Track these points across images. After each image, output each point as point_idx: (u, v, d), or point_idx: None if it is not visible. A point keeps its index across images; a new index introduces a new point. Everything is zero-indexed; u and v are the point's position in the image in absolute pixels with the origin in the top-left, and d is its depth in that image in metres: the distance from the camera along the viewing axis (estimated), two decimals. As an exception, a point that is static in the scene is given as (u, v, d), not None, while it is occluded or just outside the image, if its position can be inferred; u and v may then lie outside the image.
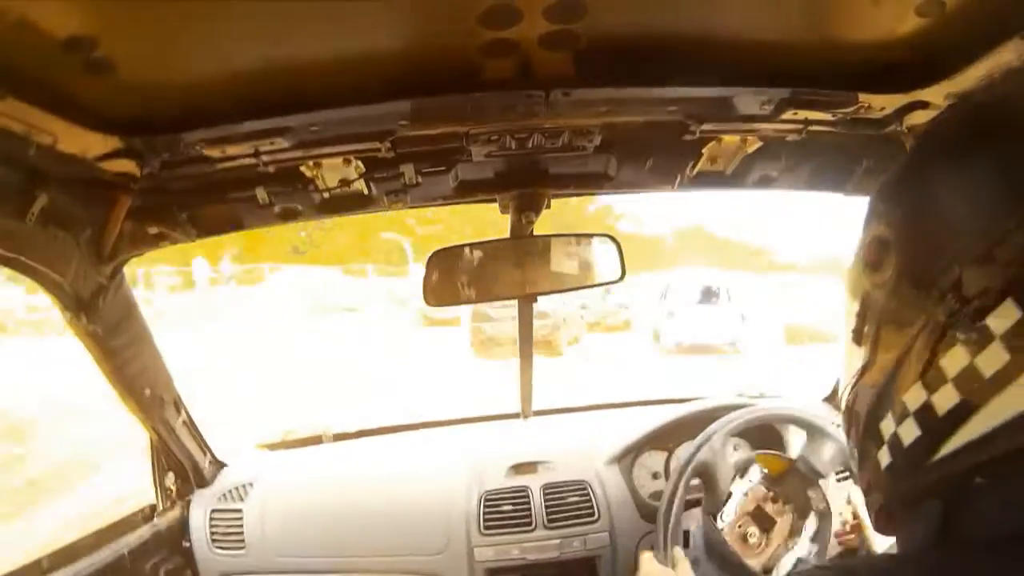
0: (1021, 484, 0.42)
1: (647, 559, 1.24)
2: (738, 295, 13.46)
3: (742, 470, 1.35)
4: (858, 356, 0.53)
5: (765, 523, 1.31)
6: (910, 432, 0.47)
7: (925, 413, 0.46)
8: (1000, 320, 0.42)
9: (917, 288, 0.47)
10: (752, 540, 1.32)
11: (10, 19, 0.62)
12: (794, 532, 1.30)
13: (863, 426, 0.53)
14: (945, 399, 0.45)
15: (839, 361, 0.58)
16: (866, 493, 0.55)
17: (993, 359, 0.42)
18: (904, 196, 0.51)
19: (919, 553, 0.47)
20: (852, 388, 0.55)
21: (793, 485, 1.35)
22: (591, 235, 1.24)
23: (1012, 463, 0.42)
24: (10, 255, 0.95)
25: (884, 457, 0.50)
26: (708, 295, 13.32)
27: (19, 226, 0.92)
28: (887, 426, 0.49)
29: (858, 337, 0.53)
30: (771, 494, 1.33)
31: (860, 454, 0.54)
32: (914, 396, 0.47)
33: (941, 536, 0.44)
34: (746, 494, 1.31)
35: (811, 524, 1.28)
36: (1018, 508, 0.41)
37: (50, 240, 1.00)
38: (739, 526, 1.32)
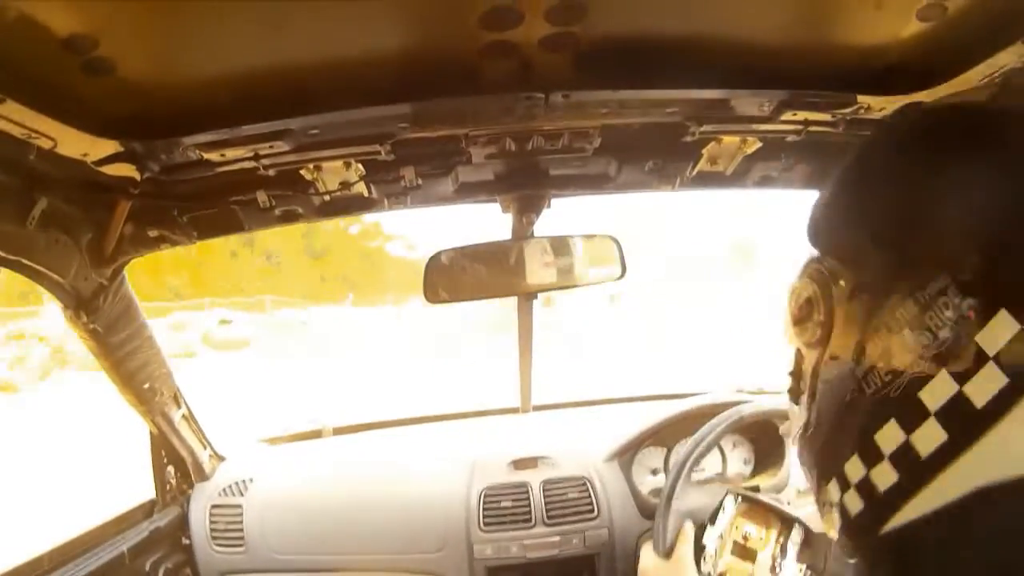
0: (973, 560, 0.39)
1: (647, 551, 1.25)
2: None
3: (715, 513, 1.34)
4: (795, 415, 0.52)
5: (747, 556, 1.31)
6: (855, 503, 0.45)
7: (865, 487, 0.44)
8: (935, 393, 0.39)
9: (845, 352, 0.45)
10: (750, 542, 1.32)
11: (9, 19, 0.62)
12: (777, 556, 1.30)
13: (815, 484, 0.51)
14: (884, 477, 0.42)
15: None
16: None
17: (929, 438, 0.40)
18: (835, 225, 0.49)
19: None
20: (798, 444, 0.53)
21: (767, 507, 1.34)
22: (592, 235, 1.25)
23: (957, 548, 0.40)
24: (11, 258, 0.95)
25: (836, 517, 0.48)
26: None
27: (20, 229, 0.92)
28: (833, 491, 0.47)
29: (794, 396, 0.52)
30: (746, 529, 1.32)
31: (818, 506, 0.52)
32: (853, 468, 0.45)
33: None
34: (721, 537, 1.29)
35: (796, 536, 1.28)
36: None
37: (51, 243, 1.00)
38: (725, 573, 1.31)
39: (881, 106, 0.94)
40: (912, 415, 0.40)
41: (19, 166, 0.85)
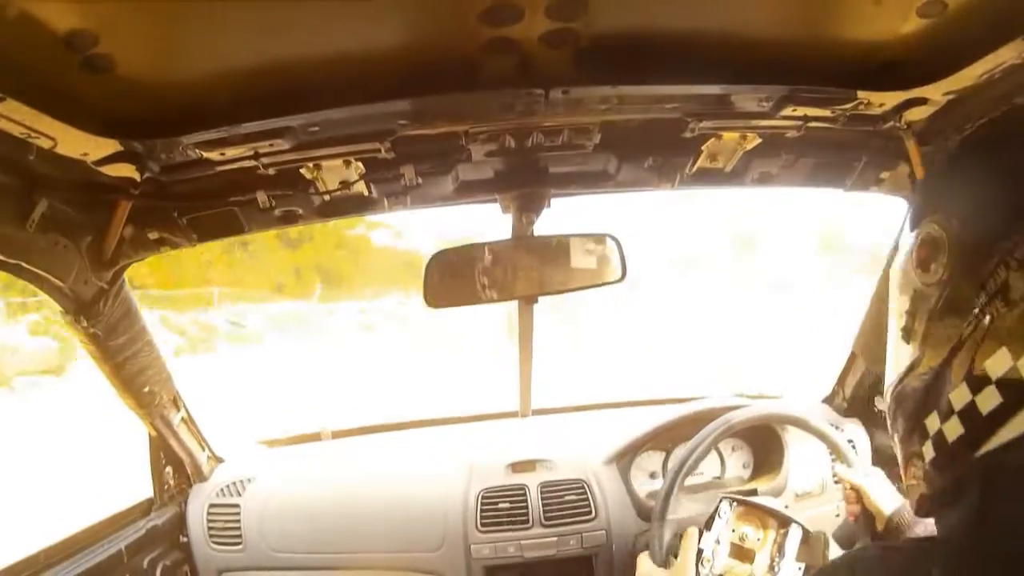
0: None
1: (644, 559, 1.24)
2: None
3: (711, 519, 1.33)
4: (906, 353, 0.55)
5: (745, 557, 1.30)
6: (954, 430, 0.49)
7: (969, 413, 0.48)
8: None
9: (966, 289, 0.49)
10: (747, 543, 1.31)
11: (9, 17, 0.62)
12: (775, 556, 1.29)
13: (909, 421, 0.55)
14: (988, 400, 0.47)
15: (887, 361, 0.60)
16: (908, 482, 0.57)
17: None
18: (952, 196, 0.53)
19: (957, 536, 0.49)
20: (898, 384, 0.56)
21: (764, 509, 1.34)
22: (592, 235, 1.24)
23: None
24: (11, 261, 0.95)
25: (928, 451, 0.52)
26: None
27: (20, 233, 0.92)
28: (932, 423, 0.52)
29: (907, 335, 0.55)
30: (743, 531, 1.32)
31: (904, 447, 0.56)
32: (959, 396, 0.49)
33: (977, 520, 0.47)
34: (718, 541, 1.29)
35: (794, 536, 1.28)
36: None
37: (51, 246, 1.00)
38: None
39: (880, 101, 0.94)
40: (1022, 343, 0.45)
41: (19, 167, 0.85)
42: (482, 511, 1.54)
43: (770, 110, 0.95)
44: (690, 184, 1.20)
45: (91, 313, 1.16)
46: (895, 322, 0.57)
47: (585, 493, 1.56)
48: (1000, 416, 0.46)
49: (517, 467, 1.64)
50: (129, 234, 1.12)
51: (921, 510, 0.56)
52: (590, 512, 1.54)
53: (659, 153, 1.14)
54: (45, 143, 0.80)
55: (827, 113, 0.97)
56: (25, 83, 0.70)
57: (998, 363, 0.46)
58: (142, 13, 0.67)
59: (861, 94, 0.92)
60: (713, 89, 0.91)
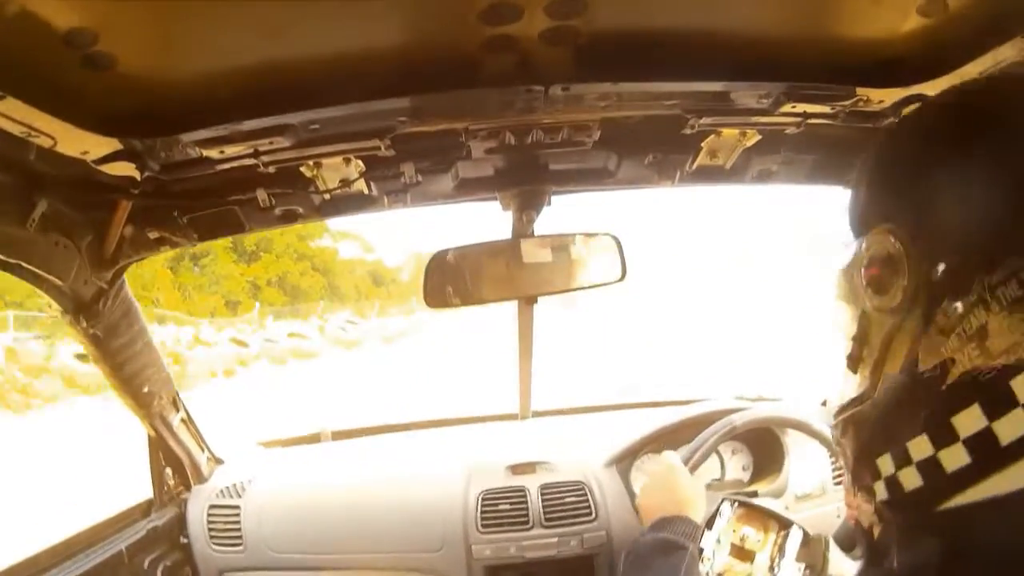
0: (1013, 544, 0.38)
1: (672, 454, 1.16)
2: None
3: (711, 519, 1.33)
4: (853, 383, 0.49)
5: (745, 557, 1.30)
6: (912, 479, 0.43)
7: (930, 467, 0.42)
8: None
9: (926, 323, 0.42)
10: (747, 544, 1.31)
11: (9, 14, 0.62)
12: (775, 557, 1.28)
13: (857, 457, 0.49)
14: (954, 459, 0.40)
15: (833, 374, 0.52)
16: (857, 504, 0.51)
17: (1014, 426, 0.38)
18: (920, 201, 0.43)
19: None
20: (845, 415, 0.50)
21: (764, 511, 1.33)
22: (592, 234, 1.24)
23: (1019, 528, 0.38)
24: (11, 261, 0.95)
25: (880, 490, 0.46)
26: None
27: (20, 232, 0.92)
28: (885, 465, 0.45)
29: (853, 364, 0.48)
30: (743, 531, 1.32)
31: (852, 476, 0.50)
32: (919, 446, 0.42)
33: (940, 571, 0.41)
34: (719, 541, 1.28)
35: (794, 537, 1.27)
36: (1004, 564, 0.38)
37: (51, 246, 1.00)
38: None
39: (880, 98, 0.94)
40: (999, 402, 0.38)
41: (19, 166, 0.85)
42: (482, 512, 1.54)
43: (769, 107, 0.94)
44: (690, 181, 1.20)
45: (91, 313, 1.15)
46: (841, 346, 0.49)
47: (585, 494, 1.56)
48: (968, 477, 0.40)
49: (517, 469, 1.64)
50: (129, 233, 1.13)
51: (867, 537, 0.50)
52: (590, 513, 1.54)
53: (659, 150, 1.14)
54: (45, 142, 0.79)
55: (827, 110, 0.96)
56: (25, 81, 0.70)
57: (968, 420, 0.39)
58: (142, 11, 0.66)
59: (860, 91, 0.92)
60: (713, 86, 0.90)
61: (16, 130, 0.75)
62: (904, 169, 0.46)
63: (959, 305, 0.40)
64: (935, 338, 0.41)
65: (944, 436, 0.41)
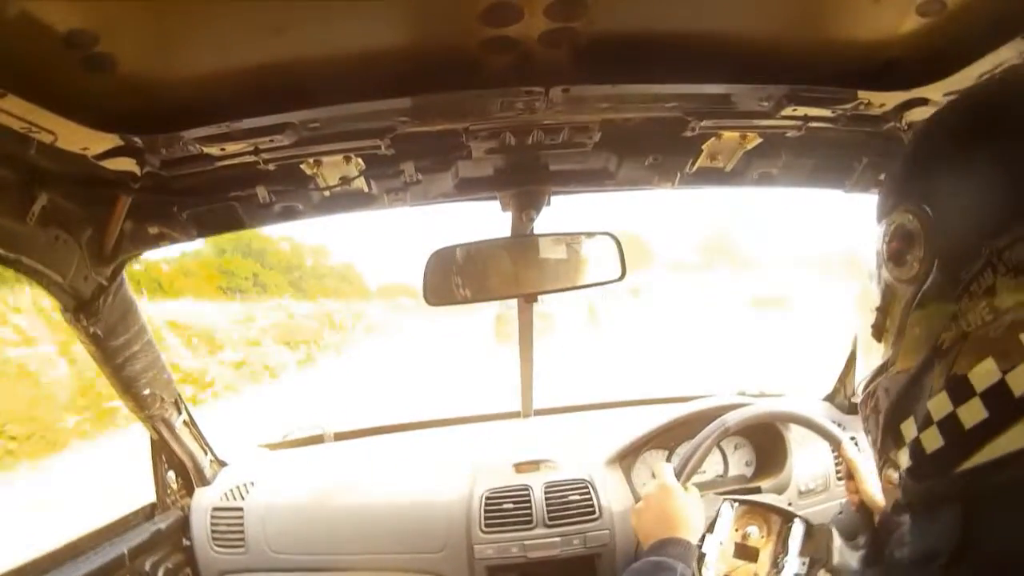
0: None
1: (668, 469, 1.17)
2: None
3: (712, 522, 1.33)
4: (877, 352, 0.51)
5: (749, 555, 1.30)
6: (933, 441, 0.45)
7: (950, 425, 0.44)
8: None
9: (946, 289, 0.44)
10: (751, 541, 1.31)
11: (10, 15, 0.63)
12: (779, 552, 1.29)
13: (882, 424, 0.51)
14: (972, 414, 0.43)
15: (857, 356, 0.56)
16: (883, 485, 0.53)
17: None
18: (933, 181, 0.48)
19: (939, 560, 0.44)
20: (870, 384, 0.53)
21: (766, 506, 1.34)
22: (591, 233, 1.24)
23: None
24: (11, 256, 0.95)
25: (904, 459, 0.48)
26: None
27: (20, 226, 0.92)
28: (908, 429, 0.48)
29: (878, 333, 0.51)
30: (746, 530, 1.32)
31: (879, 451, 0.52)
32: (939, 405, 0.45)
33: (958, 544, 0.42)
34: (721, 543, 1.29)
35: (797, 531, 1.28)
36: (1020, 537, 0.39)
37: (51, 241, 1.00)
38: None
39: (881, 102, 0.94)
40: (1010, 355, 0.41)
41: (19, 161, 0.85)
42: (486, 512, 1.54)
43: (770, 110, 0.94)
44: (690, 184, 1.20)
45: (91, 311, 1.15)
46: (866, 317, 0.53)
47: (589, 493, 1.56)
48: (985, 432, 0.42)
49: (521, 467, 1.64)
50: (129, 228, 1.12)
51: (895, 514, 0.52)
52: (594, 512, 1.54)
53: (659, 152, 1.14)
54: (45, 137, 0.80)
55: (828, 113, 0.96)
56: (26, 80, 0.71)
57: (983, 374, 0.42)
58: (143, 12, 0.67)
59: (861, 94, 0.92)
60: (713, 88, 0.91)
61: (16, 126, 0.76)
62: (921, 159, 0.50)
63: (969, 270, 0.43)
64: (949, 302, 0.44)
65: (962, 391, 0.43)
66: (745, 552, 1.28)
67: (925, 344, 0.46)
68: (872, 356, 0.52)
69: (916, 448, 0.47)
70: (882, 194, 0.53)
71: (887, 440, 0.50)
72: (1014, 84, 0.48)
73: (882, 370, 0.51)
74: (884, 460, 0.52)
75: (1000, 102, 0.46)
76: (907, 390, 0.48)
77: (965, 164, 0.45)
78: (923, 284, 0.46)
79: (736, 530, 1.30)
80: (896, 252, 0.48)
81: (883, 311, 0.51)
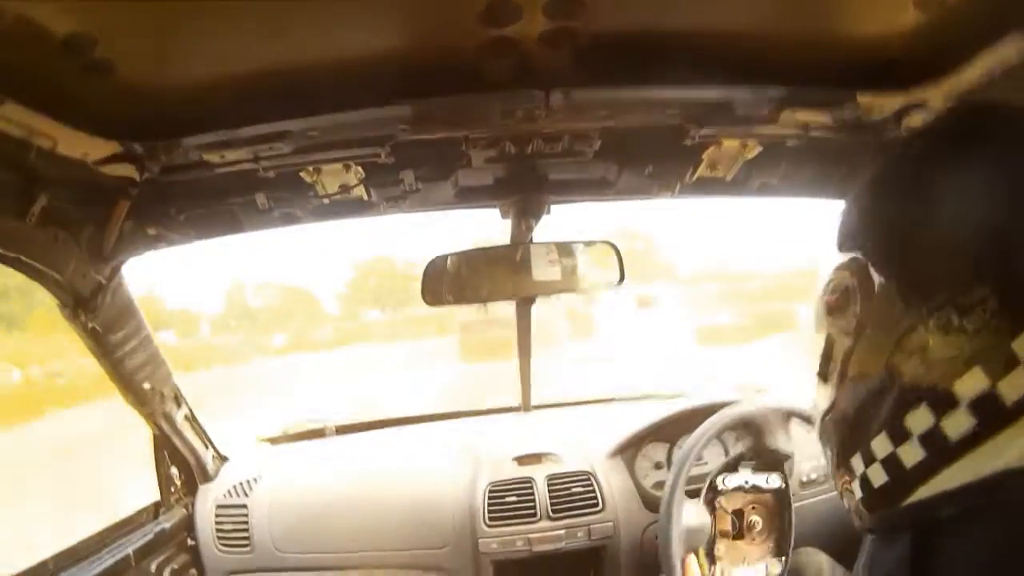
0: (977, 539, 0.42)
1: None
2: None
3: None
4: (824, 393, 0.54)
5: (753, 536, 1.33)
6: (878, 476, 0.48)
7: (892, 463, 0.47)
8: (967, 387, 0.42)
9: (879, 340, 0.47)
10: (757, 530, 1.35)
11: (9, 21, 0.62)
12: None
13: (835, 458, 0.54)
14: (911, 454, 0.46)
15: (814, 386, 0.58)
16: (846, 503, 0.55)
17: (959, 424, 0.43)
18: (870, 235, 0.50)
19: None
20: (822, 421, 0.55)
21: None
22: (590, 241, 1.25)
23: (977, 517, 0.42)
24: (10, 255, 0.95)
25: (856, 490, 0.51)
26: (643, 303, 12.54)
27: (19, 226, 0.92)
28: (856, 464, 0.50)
29: (823, 375, 0.54)
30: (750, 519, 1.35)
31: (835, 480, 0.55)
32: (881, 445, 0.48)
33: (912, 571, 0.44)
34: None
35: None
36: (971, 561, 0.42)
37: (50, 240, 1.00)
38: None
39: (881, 104, 0.93)
40: (943, 403, 0.43)
41: (19, 165, 0.85)
42: (489, 505, 1.55)
43: (770, 114, 0.94)
44: (690, 193, 1.20)
45: (89, 307, 1.16)
46: (812, 362, 0.55)
47: (592, 485, 1.57)
48: (924, 471, 0.45)
49: (523, 460, 1.65)
50: (128, 230, 1.12)
51: (861, 530, 0.55)
52: (597, 504, 1.55)
53: (659, 161, 1.13)
54: (45, 143, 0.80)
55: (827, 120, 0.96)
56: (25, 86, 0.71)
57: (919, 419, 0.45)
58: (140, 17, 0.66)
59: (861, 96, 0.91)
60: (712, 94, 0.90)
61: (16, 132, 0.76)
62: (857, 216, 0.52)
63: (902, 327, 0.45)
64: (884, 354, 0.47)
65: (900, 434, 0.46)
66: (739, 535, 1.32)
67: (864, 389, 0.49)
68: (821, 395, 0.55)
69: (865, 482, 0.50)
70: (838, 231, 0.54)
71: (841, 471, 0.53)
72: (940, 153, 0.49)
73: (830, 410, 0.54)
74: (841, 487, 0.54)
75: (930, 173, 0.47)
76: (853, 429, 0.51)
77: (900, 217, 0.48)
78: (858, 339, 0.49)
79: (735, 518, 1.33)
80: (833, 306, 0.51)
81: (825, 358, 0.53)
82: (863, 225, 0.51)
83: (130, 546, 1.38)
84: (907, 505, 0.46)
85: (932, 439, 0.44)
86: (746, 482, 1.40)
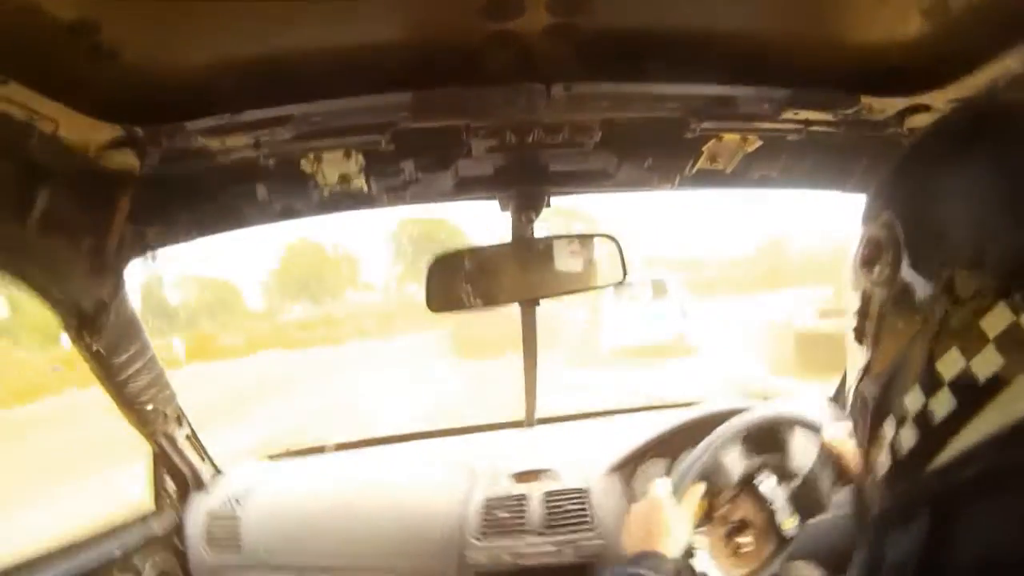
0: (997, 511, 0.41)
1: (663, 484, 1.16)
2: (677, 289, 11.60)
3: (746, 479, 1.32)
4: (860, 355, 0.54)
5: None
6: (909, 438, 0.48)
7: (923, 418, 0.46)
8: (994, 322, 0.43)
9: (912, 288, 0.48)
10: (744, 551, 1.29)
11: (14, 3, 0.63)
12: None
13: (867, 427, 0.53)
14: (942, 404, 0.45)
15: (847, 362, 0.57)
16: (869, 493, 0.54)
17: (988, 363, 0.43)
18: (899, 196, 0.52)
19: (909, 566, 0.44)
20: (856, 387, 0.55)
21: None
22: (592, 235, 1.24)
23: (998, 482, 0.41)
24: (12, 265, 0.96)
25: (884, 461, 0.50)
26: (659, 290, 11.23)
27: (21, 233, 0.91)
28: (888, 429, 0.50)
29: (859, 335, 0.54)
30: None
31: (864, 455, 0.54)
32: (913, 399, 0.47)
33: (924, 553, 0.43)
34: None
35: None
36: (997, 539, 0.40)
37: (52, 250, 0.99)
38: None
39: (883, 107, 0.94)
40: (973, 342, 0.43)
41: (20, 154, 0.85)
42: (482, 520, 1.53)
43: (772, 112, 0.95)
44: (690, 185, 1.20)
45: (94, 328, 1.13)
46: (849, 322, 0.56)
47: (585, 503, 1.54)
48: (954, 422, 0.44)
49: (521, 477, 1.63)
50: (129, 232, 1.12)
51: (871, 530, 0.52)
52: (588, 521, 1.52)
53: (659, 153, 1.14)
54: (47, 126, 0.80)
55: (829, 117, 0.97)
56: (28, 67, 0.71)
57: (950, 364, 0.45)
58: (144, 1, 0.67)
59: (864, 99, 0.92)
60: (715, 90, 0.91)
61: (19, 114, 0.76)
62: (900, 172, 0.54)
63: (930, 268, 0.47)
64: (915, 300, 0.47)
65: (932, 383, 0.46)
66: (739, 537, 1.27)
67: (898, 342, 0.49)
68: (856, 360, 0.55)
69: (895, 447, 0.49)
70: (867, 199, 0.56)
71: (871, 443, 0.52)
72: (993, 115, 0.51)
73: (864, 373, 0.54)
74: (867, 465, 0.54)
75: (974, 132, 0.49)
76: (887, 388, 0.50)
77: (927, 180, 0.49)
78: (892, 287, 0.50)
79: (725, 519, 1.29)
80: (867, 259, 0.52)
81: (861, 315, 0.54)
82: (894, 187, 0.53)
83: (118, 548, 1.35)
84: (931, 472, 0.45)
85: (963, 384, 0.44)
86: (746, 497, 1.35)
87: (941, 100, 0.90)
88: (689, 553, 1.21)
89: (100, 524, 1.38)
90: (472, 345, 11.89)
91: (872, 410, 0.52)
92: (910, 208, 0.50)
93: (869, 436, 0.52)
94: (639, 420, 1.88)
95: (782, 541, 1.23)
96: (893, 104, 0.93)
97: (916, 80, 0.88)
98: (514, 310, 1.35)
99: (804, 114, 0.96)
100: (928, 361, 0.46)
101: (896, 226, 0.50)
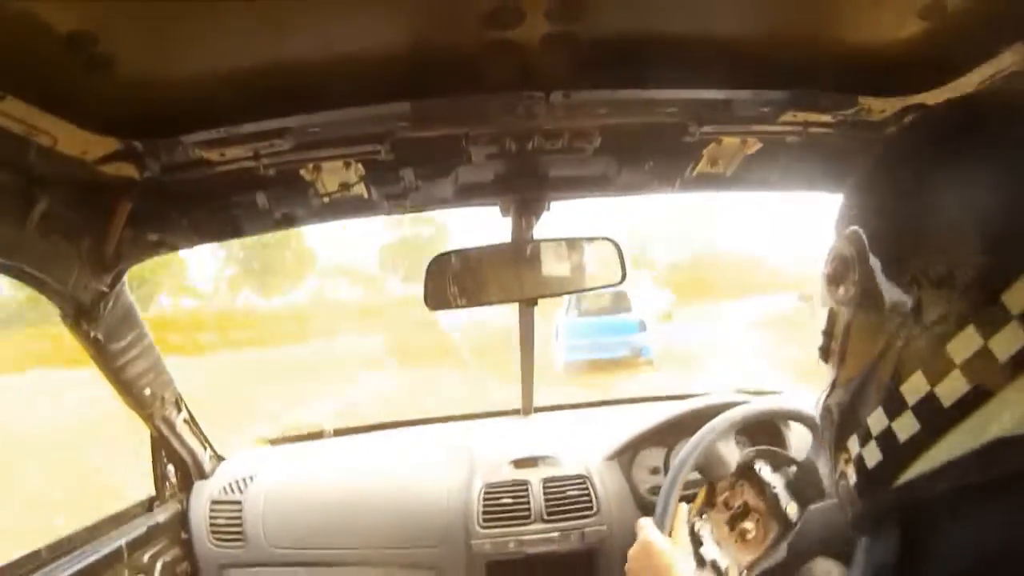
0: (972, 524, 0.40)
1: (648, 522, 1.16)
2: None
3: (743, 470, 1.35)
4: (826, 371, 0.54)
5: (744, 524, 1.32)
6: (873, 455, 0.48)
7: (886, 438, 0.46)
8: (960, 347, 0.42)
9: (877, 309, 0.47)
10: (749, 536, 1.32)
11: (10, 16, 0.62)
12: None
13: (834, 441, 0.53)
14: (906, 427, 0.45)
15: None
16: (840, 503, 0.54)
17: (953, 389, 0.42)
18: (868, 206, 0.51)
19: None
20: (823, 404, 0.55)
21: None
22: (591, 238, 1.25)
23: (970, 497, 0.41)
24: (11, 263, 0.95)
25: (851, 475, 0.50)
26: (618, 302, 10.12)
27: (20, 234, 0.92)
28: (853, 445, 0.50)
29: (824, 354, 0.54)
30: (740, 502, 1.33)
31: (833, 467, 0.54)
32: (876, 420, 0.47)
33: (900, 560, 0.43)
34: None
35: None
36: (966, 551, 0.40)
37: (51, 248, 1.00)
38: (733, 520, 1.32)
39: (881, 108, 0.94)
40: (937, 367, 0.43)
41: (19, 165, 0.85)
42: (484, 506, 1.55)
43: (771, 115, 0.94)
44: (690, 188, 1.20)
45: (91, 317, 1.15)
46: (816, 339, 0.55)
47: (587, 488, 1.57)
48: (918, 444, 0.44)
49: (520, 463, 1.65)
50: (129, 236, 1.12)
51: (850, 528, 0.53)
52: (592, 507, 1.55)
53: (659, 157, 1.14)
54: (45, 141, 0.80)
55: (827, 119, 0.96)
56: (26, 81, 0.71)
57: (914, 388, 0.44)
58: (142, 13, 0.66)
59: (862, 100, 0.92)
60: (714, 94, 0.90)
61: (16, 129, 0.76)
62: (862, 183, 0.54)
63: (897, 288, 0.46)
64: (880, 321, 0.47)
65: (895, 405, 0.46)
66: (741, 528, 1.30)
67: (862, 362, 0.49)
68: (823, 375, 0.55)
69: (859, 463, 0.49)
70: (838, 209, 0.55)
71: (838, 456, 0.53)
72: (965, 121, 0.49)
73: (831, 389, 0.53)
74: (838, 476, 0.53)
75: (944, 140, 0.48)
76: (850, 407, 0.50)
77: (894, 192, 0.49)
78: (858, 307, 0.49)
79: (727, 505, 1.32)
80: (833, 277, 0.52)
81: (827, 333, 0.53)
82: (862, 198, 0.52)
83: (122, 538, 1.37)
84: (898, 486, 0.45)
85: (926, 408, 0.44)
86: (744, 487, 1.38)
87: (938, 100, 0.89)
88: (697, 541, 1.25)
89: (104, 517, 1.40)
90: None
91: (837, 425, 0.52)
92: (876, 222, 0.49)
93: (835, 450, 0.53)
94: (633, 411, 1.91)
95: (787, 525, 1.25)
96: (891, 105, 0.93)
97: (914, 80, 0.88)
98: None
99: (803, 116, 0.95)
100: (893, 383, 0.46)
101: (863, 241, 0.49)
